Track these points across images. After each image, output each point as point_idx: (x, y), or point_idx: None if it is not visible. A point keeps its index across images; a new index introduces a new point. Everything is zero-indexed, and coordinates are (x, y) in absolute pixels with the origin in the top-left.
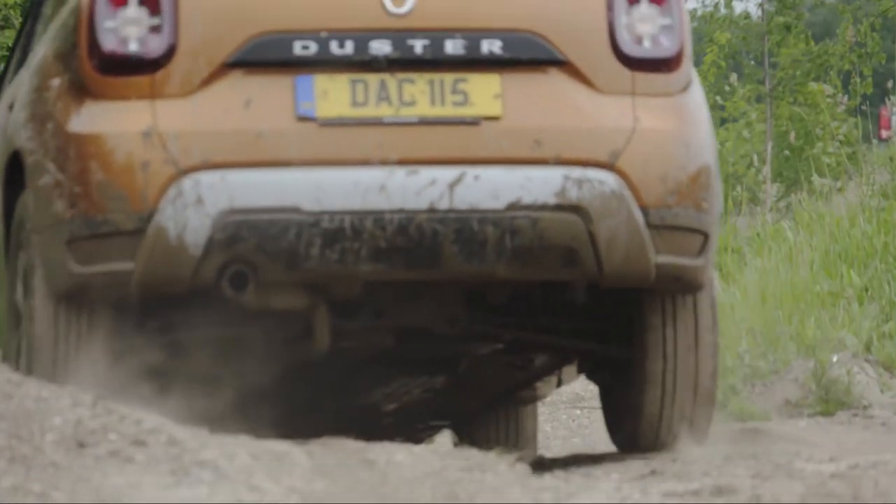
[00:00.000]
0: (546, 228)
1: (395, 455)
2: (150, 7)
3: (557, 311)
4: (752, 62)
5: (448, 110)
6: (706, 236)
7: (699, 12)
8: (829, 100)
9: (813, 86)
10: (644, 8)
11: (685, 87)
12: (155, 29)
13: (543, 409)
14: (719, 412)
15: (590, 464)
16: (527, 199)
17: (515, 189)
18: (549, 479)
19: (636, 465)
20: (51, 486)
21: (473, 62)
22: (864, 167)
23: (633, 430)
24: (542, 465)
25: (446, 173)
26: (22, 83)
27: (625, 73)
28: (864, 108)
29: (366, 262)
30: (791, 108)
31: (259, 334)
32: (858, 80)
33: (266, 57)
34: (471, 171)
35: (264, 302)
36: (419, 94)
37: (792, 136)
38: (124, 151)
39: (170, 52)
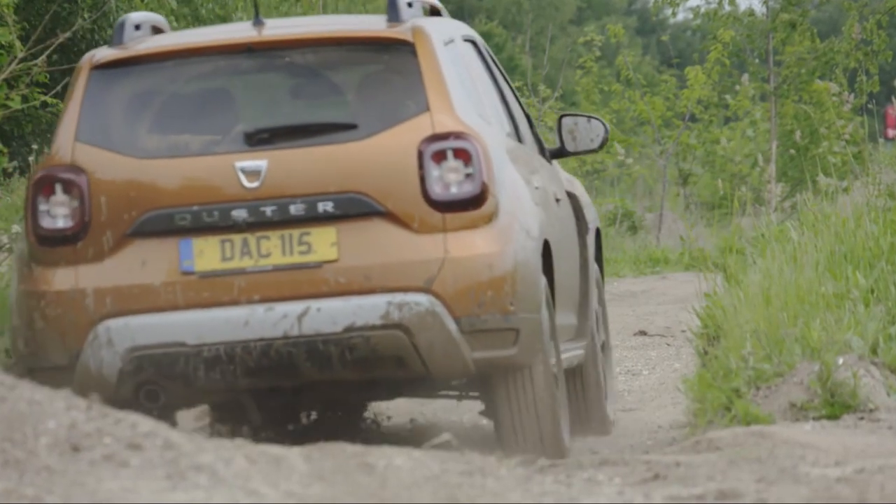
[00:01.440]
0: (377, 343)
1: (394, 459)
2: (71, 195)
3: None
4: (757, 60)
5: (296, 258)
6: (517, 331)
7: (702, 9)
8: (834, 98)
9: (819, 83)
10: (450, 162)
11: (490, 218)
12: (75, 210)
13: None
14: (724, 416)
15: (592, 468)
16: (359, 323)
17: (350, 315)
18: (551, 484)
19: (639, 470)
20: (44, 491)
21: (313, 219)
22: (871, 167)
23: (509, 447)
24: (543, 470)
25: (296, 307)
26: None
27: (435, 214)
28: (870, 106)
29: (242, 379)
30: (796, 106)
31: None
32: (864, 78)
33: (155, 228)
34: (314, 304)
35: (196, 400)
36: (273, 248)
37: (797, 135)
38: (56, 306)
39: (86, 228)
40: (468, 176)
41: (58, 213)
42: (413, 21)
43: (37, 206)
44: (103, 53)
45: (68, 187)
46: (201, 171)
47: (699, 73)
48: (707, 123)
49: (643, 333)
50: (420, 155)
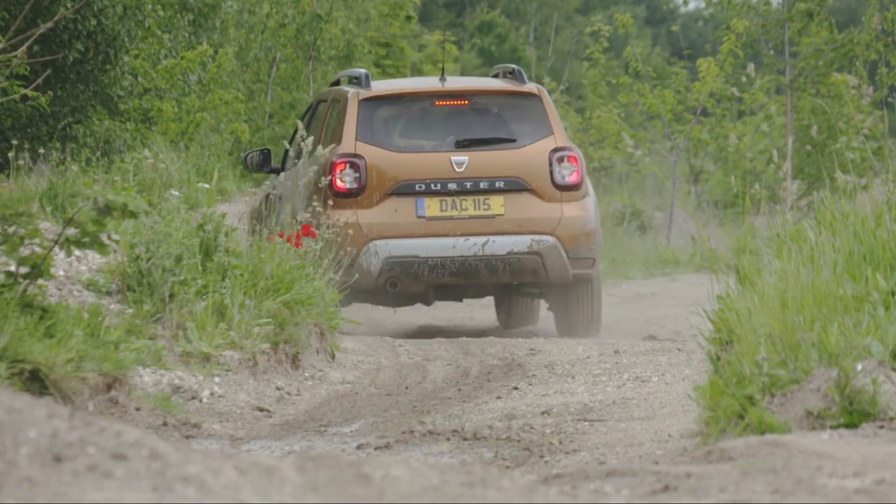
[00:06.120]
0: (524, 263)
1: (391, 470)
2: (354, 170)
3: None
4: (772, 51)
5: (481, 212)
6: (594, 260)
7: None
8: (853, 91)
9: (836, 76)
10: (565, 163)
11: (584, 196)
12: (357, 178)
13: (549, 421)
14: (737, 425)
15: (599, 479)
16: (515, 250)
17: (510, 246)
18: (556, 495)
19: (648, 481)
20: (25, 503)
21: (492, 191)
22: (891, 163)
23: (566, 332)
24: (548, 481)
25: (480, 239)
26: (302, 177)
27: (556, 192)
28: (890, 100)
29: (447, 277)
30: (813, 100)
31: (412, 295)
32: (885, 70)
33: (403, 191)
34: (491, 238)
35: (409, 290)
36: (469, 205)
37: (814, 130)
38: (345, 231)
39: (363, 189)
40: (574, 171)
41: (346, 179)
42: (534, 83)
43: (336, 175)
44: (363, 93)
45: (353, 165)
46: (430, 161)
47: (711, 64)
48: (720, 118)
49: (652, 338)
50: (549, 158)
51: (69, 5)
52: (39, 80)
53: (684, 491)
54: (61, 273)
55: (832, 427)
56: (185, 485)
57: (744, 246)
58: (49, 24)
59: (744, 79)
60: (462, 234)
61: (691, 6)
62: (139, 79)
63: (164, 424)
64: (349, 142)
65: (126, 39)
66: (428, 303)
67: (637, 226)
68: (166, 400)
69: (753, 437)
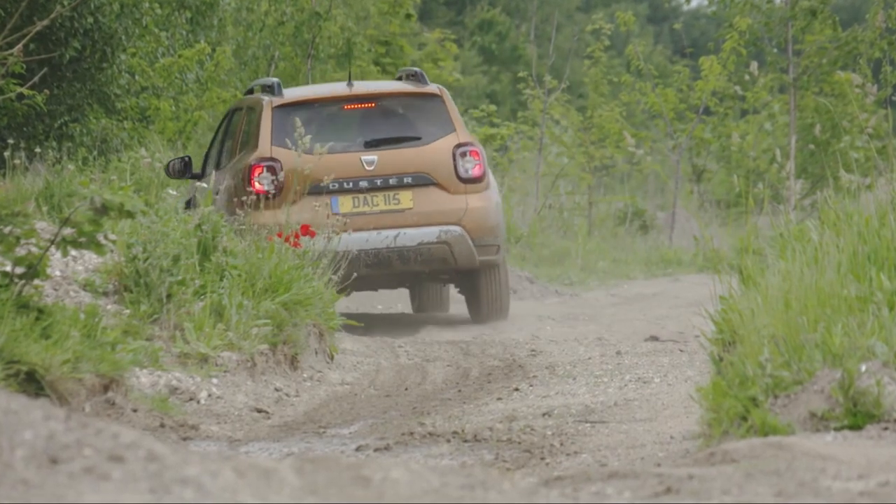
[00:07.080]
0: (434, 252)
1: (391, 472)
2: (272, 173)
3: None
4: (775, 49)
5: (392, 206)
6: (499, 247)
7: None
8: (857, 90)
9: (840, 75)
10: (467, 158)
11: (487, 188)
12: (275, 181)
13: (550, 423)
14: (740, 426)
15: (601, 480)
16: (425, 241)
17: (420, 237)
18: (557, 497)
19: (651, 483)
20: None
21: (400, 186)
22: (895, 162)
23: (478, 315)
24: (549, 483)
25: (392, 232)
26: (221, 183)
27: (461, 185)
28: (894, 98)
29: (363, 269)
30: (816, 98)
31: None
32: (889, 68)
33: (318, 191)
34: (402, 231)
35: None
36: (380, 201)
37: (817, 129)
38: (265, 227)
39: (281, 189)
40: (476, 165)
41: (265, 182)
42: (435, 84)
43: (254, 177)
44: (276, 100)
45: (270, 168)
46: (342, 161)
47: (714, 63)
48: (722, 116)
49: (655, 339)
50: (453, 153)
51: (66, 3)
52: (36, 79)
53: (686, 493)
54: (58, 273)
55: (836, 429)
56: (182, 487)
57: (747, 246)
58: (45, 22)
59: (747, 77)
60: (375, 228)
61: (694, 4)
62: (136, 77)
63: (162, 426)
64: (265, 147)
65: (123, 37)
66: (346, 293)
67: (639, 225)
68: (164, 401)
69: (756, 438)
